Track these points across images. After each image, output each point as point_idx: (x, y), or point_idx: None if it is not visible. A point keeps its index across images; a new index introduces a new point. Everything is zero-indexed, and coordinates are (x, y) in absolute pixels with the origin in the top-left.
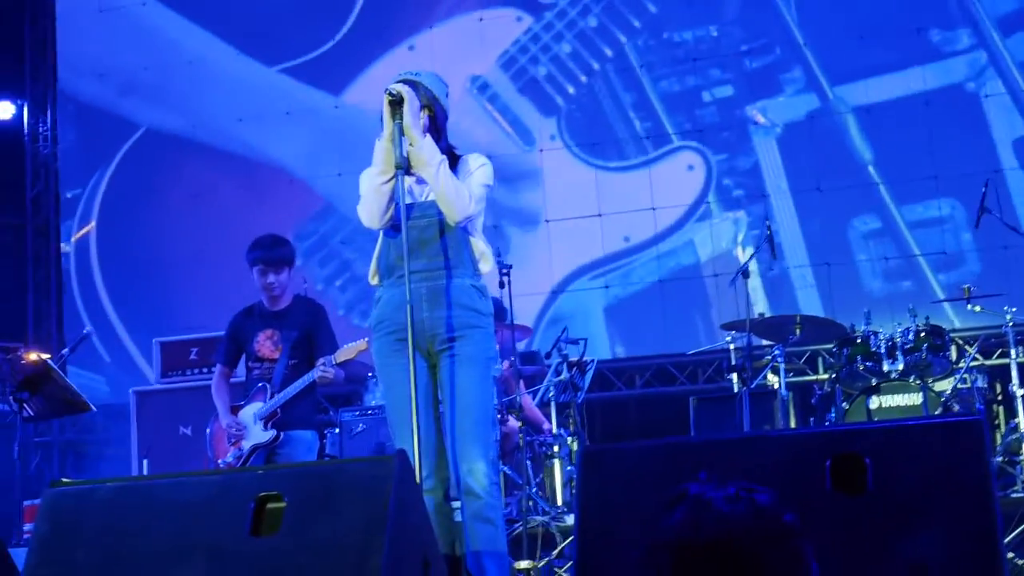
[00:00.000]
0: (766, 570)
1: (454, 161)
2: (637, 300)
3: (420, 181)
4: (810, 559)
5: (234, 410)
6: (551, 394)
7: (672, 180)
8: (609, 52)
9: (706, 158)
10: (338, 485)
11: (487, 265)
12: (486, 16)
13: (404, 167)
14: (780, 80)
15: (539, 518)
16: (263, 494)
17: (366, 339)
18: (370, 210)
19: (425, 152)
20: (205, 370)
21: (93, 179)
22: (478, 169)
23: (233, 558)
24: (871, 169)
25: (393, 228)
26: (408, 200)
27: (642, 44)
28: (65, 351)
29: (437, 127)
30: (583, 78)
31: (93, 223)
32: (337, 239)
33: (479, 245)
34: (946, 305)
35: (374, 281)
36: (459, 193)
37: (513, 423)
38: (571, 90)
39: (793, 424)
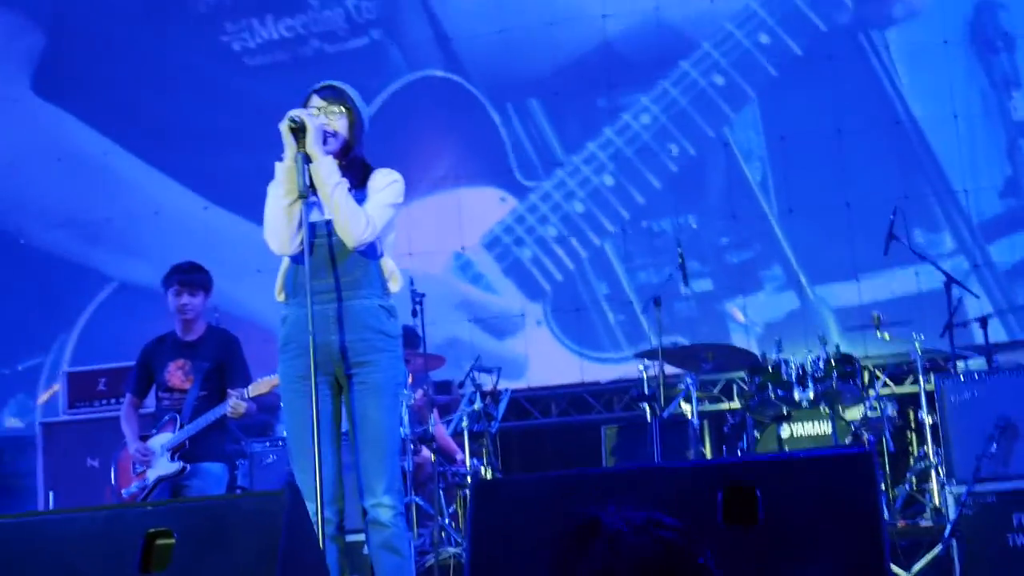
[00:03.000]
0: None
1: (366, 175)
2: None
3: None
4: None
5: (143, 439)
6: (464, 424)
7: None
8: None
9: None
10: (229, 521)
11: (396, 285)
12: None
13: (308, 196)
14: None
15: (451, 549)
16: (152, 530)
17: None
18: (279, 235)
19: (323, 171)
20: (114, 401)
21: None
22: (385, 188)
23: None
24: None
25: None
26: (316, 217)
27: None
28: None
29: (354, 135)
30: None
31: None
32: None
33: (388, 264)
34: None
35: (280, 298)
36: (355, 218)
37: (426, 453)
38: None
39: (708, 452)
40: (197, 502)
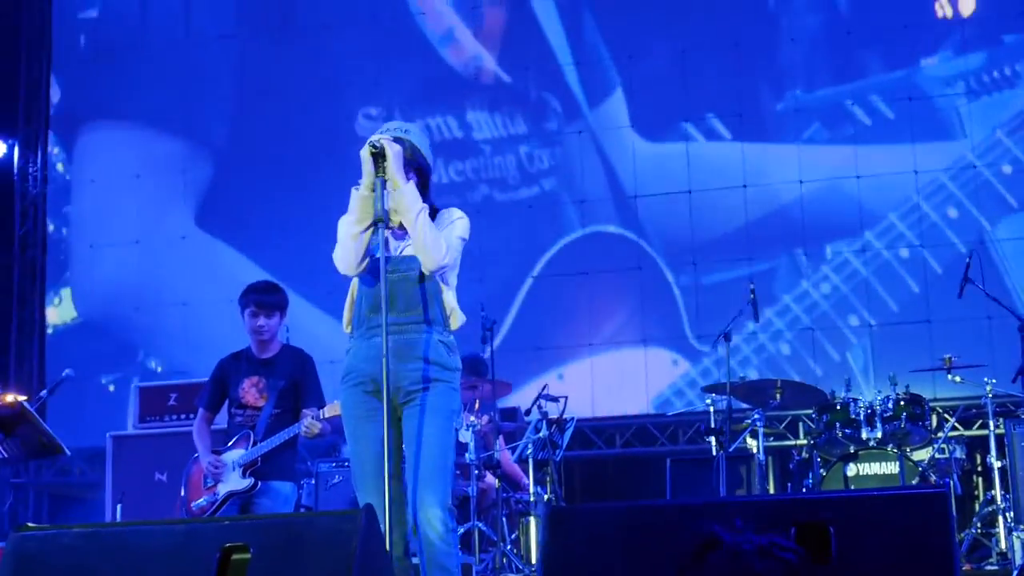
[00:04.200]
0: None
1: (433, 214)
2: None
3: (396, 235)
4: None
5: (214, 454)
6: (529, 451)
7: None
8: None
9: None
10: (304, 538)
11: (456, 322)
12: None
13: (385, 220)
14: None
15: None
16: (229, 544)
17: None
18: (347, 258)
19: (408, 197)
20: (183, 416)
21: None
22: (456, 222)
23: None
24: None
25: (370, 275)
26: (383, 253)
27: None
28: (44, 392)
29: (422, 182)
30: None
31: None
32: None
33: (450, 301)
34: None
35: (348, 330)
36: (436, 242)
37: (491, 479)
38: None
39: (772, 488)
40: (273, 518)
